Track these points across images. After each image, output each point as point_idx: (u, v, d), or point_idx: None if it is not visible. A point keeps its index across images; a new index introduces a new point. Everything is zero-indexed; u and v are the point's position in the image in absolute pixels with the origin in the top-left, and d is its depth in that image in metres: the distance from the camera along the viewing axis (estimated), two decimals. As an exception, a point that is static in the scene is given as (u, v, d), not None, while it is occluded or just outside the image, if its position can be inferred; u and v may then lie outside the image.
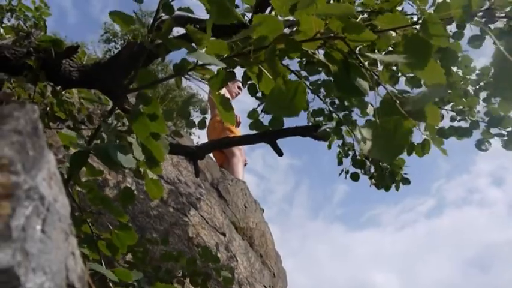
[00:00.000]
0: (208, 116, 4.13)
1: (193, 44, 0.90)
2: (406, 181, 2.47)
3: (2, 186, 0.31)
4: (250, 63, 0.91)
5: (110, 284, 1.07)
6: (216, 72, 0.93)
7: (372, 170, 2.56)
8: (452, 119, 2.20)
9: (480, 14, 1.31)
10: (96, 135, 0.98)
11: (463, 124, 2.19)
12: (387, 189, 2.51)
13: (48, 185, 0.36)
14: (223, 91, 3.94)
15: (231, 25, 1.54)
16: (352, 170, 2.63)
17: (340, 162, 2.64)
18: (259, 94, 2.34)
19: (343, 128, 2.46)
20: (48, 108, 1.80)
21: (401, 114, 0.81)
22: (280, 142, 1.73)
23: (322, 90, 2.32)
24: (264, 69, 0.91)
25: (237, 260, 2.56)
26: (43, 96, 1.78)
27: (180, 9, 0.95)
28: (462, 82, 2.10)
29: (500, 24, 1.46)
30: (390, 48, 1.53)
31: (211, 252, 1.74)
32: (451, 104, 2.19)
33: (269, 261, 3.03)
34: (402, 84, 2.05)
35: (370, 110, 2.18)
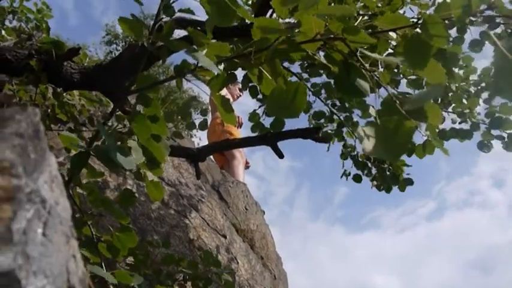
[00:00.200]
0: (208, 118, 4.13)
1: (194, 46, 0.90)
2: (409, 181, 2.46)
3: (4, 189, 0.31)
4: (251, 65, 0.91)
5: (111, 287, 1.07)
6: (216, 74, 0.93)
7: (374, 171, 2.55)
8: (453, 121, 2.20)
9: (481, 19, 1.32)
10: (97, 137, 0.98)
11: (463, 126, 2.19)
12: (388, 190, 2.51)
13: (49, 188, 0.36)
14: (225, 93, 3.94)
15: (231, 27, 1.55)
16: (353, 171, 2.62)
17: (344, 160, 2.63)
18: (260, 96, 2.34)
19: (345, 129, 2.45)
20: (49, 110, 1.80)
21: (402, 114, 0.81)
22: (281, 144, 1.72)
23: (323, 92, 2.32)
24: (264, 71, 0.91)
25: (237, 262, 2.55)
26: (44, 98, 1.78)
27: (180, 10, 0.95)
28: (464, 83, 2.10)
29: (499, 30, 1.47)
30: (390, 51, 1.53)
31: (212, 256, 1.74)
32: (452, 105, 2.19)
33: (270, 263, 3.03)
34: (403, 86, 2.05)
35: (371, 111, 2.18)
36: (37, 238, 0.32)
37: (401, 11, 1.83)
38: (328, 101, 2.36)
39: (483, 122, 2.12)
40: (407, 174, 2.47)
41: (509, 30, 1.43)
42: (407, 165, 2.46)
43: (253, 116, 2.32)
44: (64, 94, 1.82)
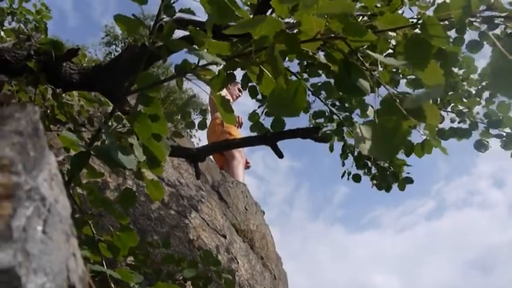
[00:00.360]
0: (208, 118, 4.14)
1: (194, 46, 0.90)
2: (409, 180, 2.47)
3: (3, 186, 0.31)
4: (251, 64, 0.91)
5: (112, 285, 1.07)
6: (216, 73, 0.93)
7: (374, 170, 2.56)
8: (452, 121, 2.20)
9: (480, 20, 1.32)
10: (97, 137, 0.98)
11: (462, 125, 2.19)
12: (388, 189, 2.51)
13: (49, 186, 0.36)
14: (224, 93, 3.94)
15: (230, 26, 1.55)
16: (353, 171, 2.63)
17: (344, 163, 2.63)
18: (260, 96, 2.34)
19: (344, 129, 2.46)
20: (48, 111, 1.80)
21: (401, 113, 0.81)
22: (280, 144, 1.73)
23: (322, 92, 2.32)
24: (265, 70, 0.91)
25: (237, 262, 2.55)
26: (44, 98, 1.78)
27: (181, 10, 0.96)
28: (465, 83, 2.10)
29: (498, 31, 1.47)
30: (390, 51, 1.53)
31: (212, 255, 1.74)
32: (451, 105, 2.19)
33: (270, 263, 3.03)
34: (402, 86, 2.05)
35: (370, 111, 2.18)
36: (37, 235, 0.32)
37: (400, 12, 1.83)
38: (328, 101, 2.36)
39: (481, 121, 2.12)
40: (407, 173, 2.48)
41: (508, 31, 1.44)
42: (408, 165, 2.46)
43: (253, 116, 2.32)
44: (63, 95, 1.82)
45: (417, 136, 2.16)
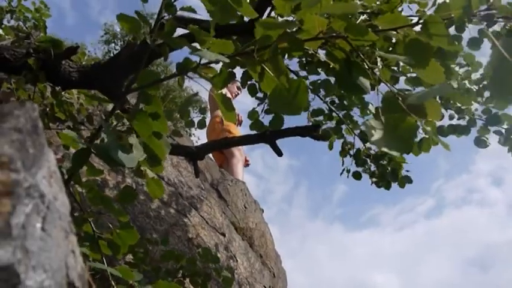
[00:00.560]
0: (208, 117, 4.14)
1: (195, 44, 0.90)
2: (408, 179, 2.47)
3: (2, 183, 0.31)
4: (253, 62, 0.91)
5: (112, 283, 1.07)
6: (218, 71, 0.93)
7: (373, 168, 2.56)
8: (451, 117, 2.20)
9: (480, 17, 1.32)
10: (97, 135, 0.98)
11: (461, 122, 2.19)
12: (388, 187, 2.51)
13: (48, 183, 0.36)
14: (224, 91, 3.94)
15: (232, 25, 1.55)
16: (353, 169, 2.63)
17: (343, 161, 2.63)
18: (259, 94, 2.34)
19: (344, 127, 2.46)
20: (47, 109, 1.80)
21: (402, 111, 0.82)
22: (279, 142, 1.73)
23: (321, 90, 2.32)
24: (266, 68, 0.91)
25: (236, 261, 2.55)
26: (43, 96, 1.78)
27: (182, 9, 0.95)
28: (467, 81, 2.10)
29: (498, 27, 1.47)
30: (390, 49, 1.53)
31: (211, 252, 1.74)
32: (450, 102, 2.19)
33: (269, 261, 3.03)
34: (402, 84, 2.05)
35: (371, 108, 2.19)
36: (36, 233, 0.32)
37: (399, 9, 1.83)
38: (327, 99, 2.36)
39: (480, 117, 2.12)
40: (407, 171, 2.48)
41: (507, 27, 1.44)
42: (405, 162, 2.46)
43: (252, 114, 2.32)
44: (62, 93, 1.82)
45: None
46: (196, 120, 2.28)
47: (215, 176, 3.10)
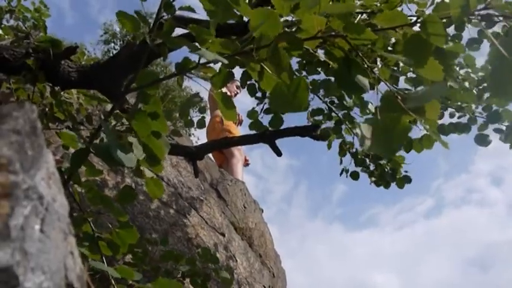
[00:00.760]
0: (207, 117, 4.14)
1: (194, 43, 0.90)
2: (407, 179, 2.47)
3: (1, 185, 0.31)
4: (252, 61, 0.91)
5: (113, 281, 1.07)
6: (217, 71, 0.93)
7: (372, 167, 2.56)
8: (452, 115, 2.20)
9: (479, 17, 1.32)
10: (96, 135, 0.98)
11: (462, 120, 2.19)
12: (387, 186, 2.51)
13: (47, 185, 0.36)
14: (224, 90, 3.94)
15: (231, 24, 1.55)
16: (352, 168, 2.63)
17: (342, 161, 2.64)
18: (259, 94, 2.34)
19: (343, 126, 2.46)
20: (47, 109, 1.79)
21: (402, 110, 0.82)
22: (279, 142, 1.73)
23: (321, 90, 2.32)
24: (266, 67, 0.91)
25: (236, 260, 2.55)
26: (42, 96, 1.78)
27: (181, 8, 0.95)
28: (467, 82, 2.10)
29: (497, 28, 1.47)
30: (389, 48, 1.53)
31: (210, 252, 1.74)
32: (449, 101, 2.19)
33: (268, 261, 3.03)
34: (402, 83, 2.05)
35: (370, 107, 2.19)
36: (35, 234, 0.32)
37: (399, 9, 1.83)
38: (327, 99, 2.36)
39: (481, 115, 2.12)
40: (405, 171, 2.48)
41: (506, 27, 1.44)
42: (404, 163, 2.46)
43: (252, 114, 2.32)
44: (62, 93, 1.82)
45: (416, 131, 2.16)
46: (195, 120, 2.28)
47: (214, 176, 3.10)
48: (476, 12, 1.30)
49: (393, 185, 2.51)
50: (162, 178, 2.46)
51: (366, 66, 0.92)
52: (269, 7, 1.47)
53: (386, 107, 0.85)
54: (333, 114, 2.41)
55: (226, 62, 0.85)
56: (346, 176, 2.62)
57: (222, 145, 2.50)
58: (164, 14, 0.96)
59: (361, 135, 0.80)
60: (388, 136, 0.79)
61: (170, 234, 2.21)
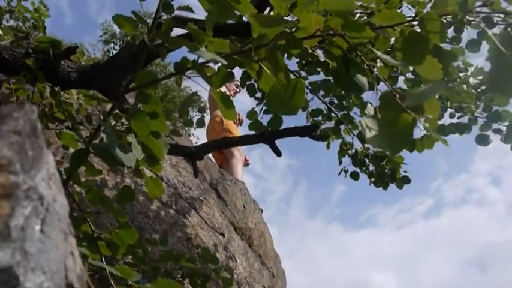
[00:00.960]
0: (207, 117, 4.14)
1: (194, 43, 0.90)
2: (406, 179, 2.47)
3: (1, 186, 0.31)
4: (251, 61, 0.91)
5: (112, 282, 1.07)
6: (216, 70, 0.93)
7: (371, 168, 2.56)
8: (452, 116, 2.20)
9: (479, 19, 1.32)
10: (96, 135, 0.98)
11: (462, 120, 2.19)
12: (386, 187, 2.51)
13: (47, 185, 0.36)
14: (224, 89, 3.95)
15: (229, 24, 1.55)
16: (351, 169, 2.63)
17: (341, 161, 2.64)
18: (258, 95, 2.34)
19: (342, 127, 2.46)
20: (46, 109, 1.80)
21: (401, 108, 0.82)
22: (278, 142, 1.73)
23: (320, 90, 2.32)
24: (264, 67, 0.91)
25: (236, 261, 2.56)
26: (42, 96, 1.78)
27: (180, 8, 0.95)
28: (465, 85, 2.11)
29: (497, 30, 1.47)
30: (389, 49, 1.53)
31: (210, 252, 1.74)
32: (449, 101, 2.20)
33: (268, 261, 3.03)
34: (401, 84, 2.05)
35: (369, 108, 2.18)
36: (35, 235, 0.32)
37: (399, 11, 1.83)
38: (326, 99, 2.36)
39: (481, 115, 2.12)
40: (405, 172, 2.48)
41: (504, 26, 1.44)
42: (404, 163, 2.47)
43: (252, 114, 2.32)
44: (61, 93, 1.82)
45: (417, 131, 2.17)
46: (195, 119, 2.28)
47: (214, 176, 3.10)
48: (476, 10, 1.30)
49: (392, 185, 2.51)
50: (162, 178, 2.46)
51: (364, 65, 0.92)
52: (268, 7, 1.48)
53: (385, 106, 0.85)
54: (332, 114, 2.41)
55: (224, 62, 0.85)
56: (345, 176, 2.62)
57: (222, 145, 2.50)
58: (163, 14, 0.96)
59: (366, 126, 0.80)
60: (392, 132, 0.79)
61: (170, 235, 2.21)
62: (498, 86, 0.79)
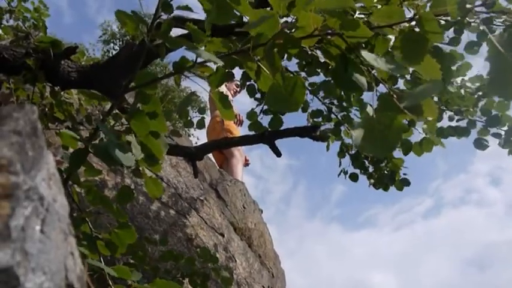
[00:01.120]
0: (208, 117, 4.14)
1: (193, 43, 0.90)
2: (405, 182, 2.47)
3: (2, 186, 0.31)
4: (249, 60, 0.91)
5: (110, 282, 1.07)
6: (215, 69, 0.93)
7: (371, 169, 2.56)
8: (451, 119, 2.20)
9: (479, 21, 1.32)
10: (95, 135, 0.98)
11: (461, 123, 2.20)
12: (386, 189, 2.51)
13: (47, 186, 0.36)
14: (223, 89, 3.95)
15: (229, 25, 1.55)
16: (351, 170, 2.63)
17: (340, 163, 2.64)
18: (258, 95, 2.34)
19: (342, 128, 2.46)
20: (47, 109, 1.80)
21: (398, 109, 0.82)
22: (278, 143, 1.73)
23: (321, 91, 2.32)
24: (262, 67, 0.91)
25: (235, 261, 2.56)
26: (42, 96, 1.78)
27: (179, 8, 0.96)
28: (463, 90, 2.11)
29: (497, 32, 1.47)
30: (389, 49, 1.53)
31: (210, 252, 1.75)
32: (449, 103, 2.20)
33: (268, 261, 3.03)
34: (401, 85, 2.05)
35: (369, 109, 2.18)
36: (35, 235, 0.32)
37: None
38: (326, 100, 2.36)
39: (480, 119, 2.12)
40: (404, 174, 2.48)
41: (503, 27, 1.44)
42: (404, 166, 2.47)
43: (251, 115, 2.32)
44: (61, 93, 1.82)
45: (416, 134, 2.17)
46: (195, 120, 2.28)
47: (214, 176, 3.10)
48: (475, 10, 1.30)
49: (392, 186, 2.51)
50: (162, 178, 2.46)
51: (363, 65, 0.92)
52: (268, 8, 1.48)
53: (383, 106, 0.85)
54: (332, 116, 2.41)
55: (220, 62, 0.85)
56: (345, 177, 2.62)
57: (222, 145, 2.50)
58: (162, 14, 0.96)
59: (355, 135, 0.81)
60: (381, 136, 0.79)
61: (170, 235, 2.21)
62: (497, 88, 0.79)
